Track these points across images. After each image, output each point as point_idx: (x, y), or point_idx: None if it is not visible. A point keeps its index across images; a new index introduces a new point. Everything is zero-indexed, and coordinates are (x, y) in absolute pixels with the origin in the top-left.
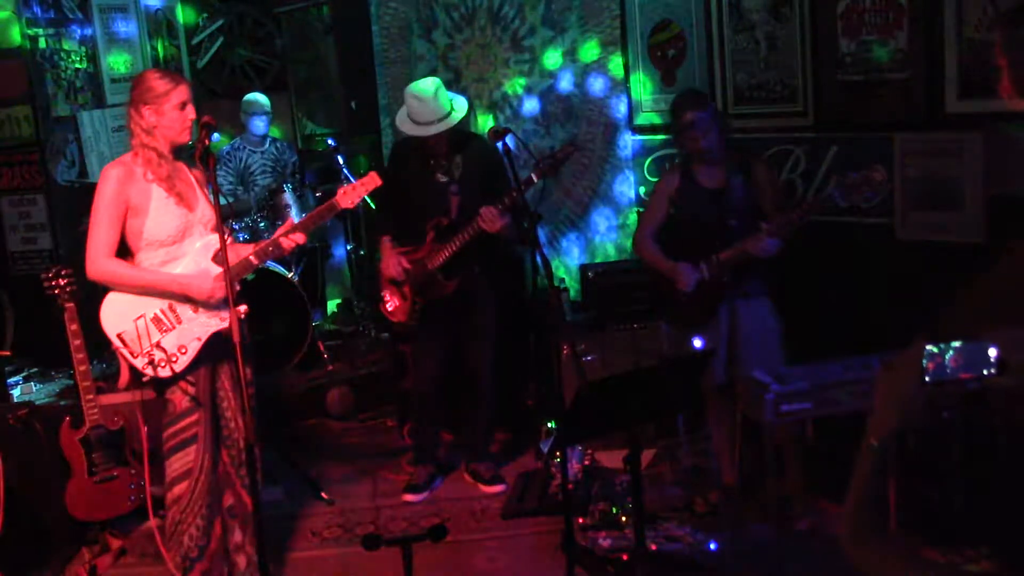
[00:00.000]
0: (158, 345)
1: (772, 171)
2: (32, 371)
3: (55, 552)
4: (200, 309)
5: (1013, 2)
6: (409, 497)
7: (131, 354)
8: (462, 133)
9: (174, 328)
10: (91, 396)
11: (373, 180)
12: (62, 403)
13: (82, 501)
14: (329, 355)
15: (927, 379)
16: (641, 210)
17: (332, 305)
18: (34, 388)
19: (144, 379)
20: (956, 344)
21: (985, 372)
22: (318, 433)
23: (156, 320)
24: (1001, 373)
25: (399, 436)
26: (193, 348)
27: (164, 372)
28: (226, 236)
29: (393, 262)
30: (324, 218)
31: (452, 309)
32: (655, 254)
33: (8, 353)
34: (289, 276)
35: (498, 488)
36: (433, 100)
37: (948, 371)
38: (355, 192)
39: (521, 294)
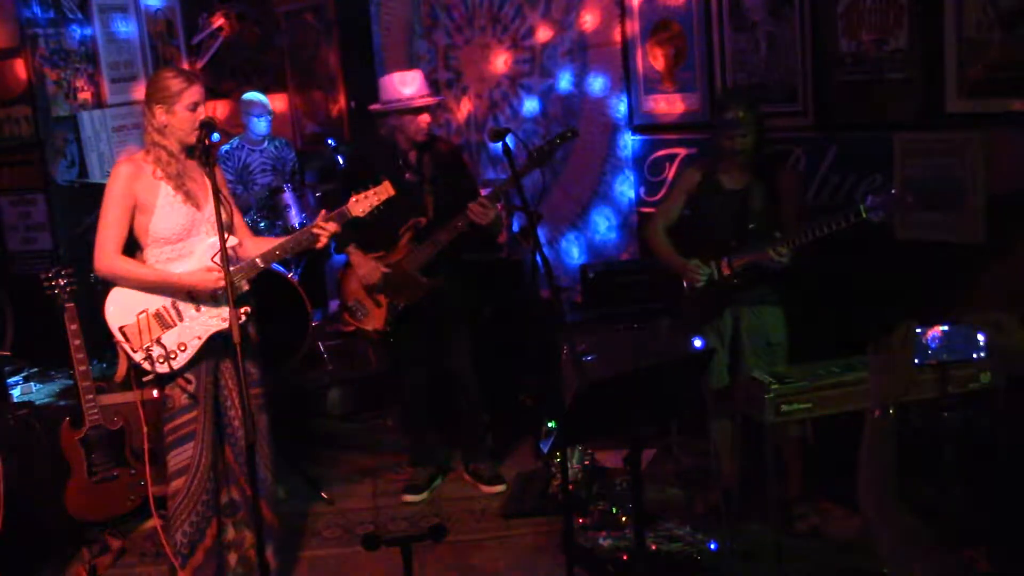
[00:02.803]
0: (158, 341)
1: (798, 181)
2: (32, 371)
3: (55, 552)
4: (203, 308)
5: (1013, 2)
6: (409, 497)
7: (131, 348)
8: (428, 132)
9: (175, 325)
10: (91, 396)
11: (387, 189)
12: (62, 403)
13: (82, 501)
14: (329, 355)
15: (916, 360)
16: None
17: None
18: (34, 388)
19: (146, 377)
20: (944, 328)
21: (974, 355)
22: (318, 433)
23: (158, 316)
24: (989, 357)
25: (399, 436)
26: (193, 346)
27: (162, 368)
28: (228, 237)
29: (371, 267)
30: (337, 224)
31: (429, 310)
32: (666, 249)
33: (8, 353)
34: (289, 276)
35: (498, 488)
36: (422, 77)
37: (935, 353)
38: (367, 200)
39: (521, 294)
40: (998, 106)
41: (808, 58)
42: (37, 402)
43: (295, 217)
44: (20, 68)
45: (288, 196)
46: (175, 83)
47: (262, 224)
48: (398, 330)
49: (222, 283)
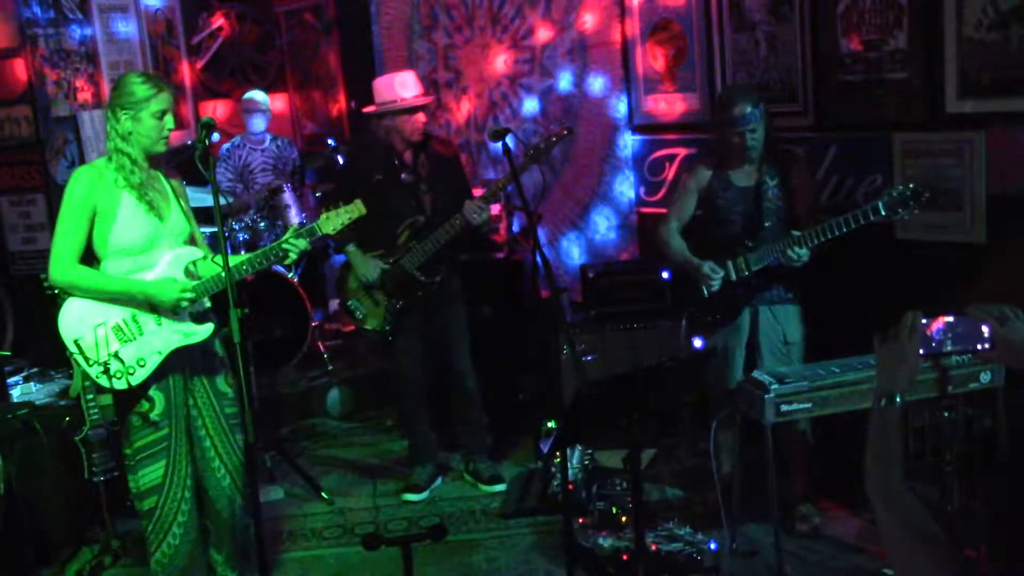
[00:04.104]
0: (116, 355)
1: (809, 173)
2: (32, 371)
3: (55, 552)
4: (164, 322)
5: (1013, 2)
6: (409, 497)
7: (86, 362)
8: (423, 132)
9: (135, 339)
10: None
11: (358, 208)
12: (62, 403)
13: (82, 501)
14: (329, 355)
15: (921, 351)
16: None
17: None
18: (34, 388)
19: (102, 390)
20: (949, 319)
21: (979, 347)
22: (318, 433)
23: (117, 329)
24: (994, 349)
25: (399, 436)
26: (153, 362)
27: (119, 384)
28: (190, 249)
29: (370, 267)
30: (307, 241)
31: (427, 309)
32: (681, 251)
33: (8, 353)
34: (289, 276)
35: (498, 488)
36: (415, 77)
37: (939, 344)
38: (338, 218)
39: (521, 294)
40: (998, 106)
41: (808, 58)
42: (37, 402)
43: (295, 217)
44: (20, 68)
45: (288, 196)
46: (142, 89)
47: (262, 224)
48: (397, 329)
49: (186, 296)
